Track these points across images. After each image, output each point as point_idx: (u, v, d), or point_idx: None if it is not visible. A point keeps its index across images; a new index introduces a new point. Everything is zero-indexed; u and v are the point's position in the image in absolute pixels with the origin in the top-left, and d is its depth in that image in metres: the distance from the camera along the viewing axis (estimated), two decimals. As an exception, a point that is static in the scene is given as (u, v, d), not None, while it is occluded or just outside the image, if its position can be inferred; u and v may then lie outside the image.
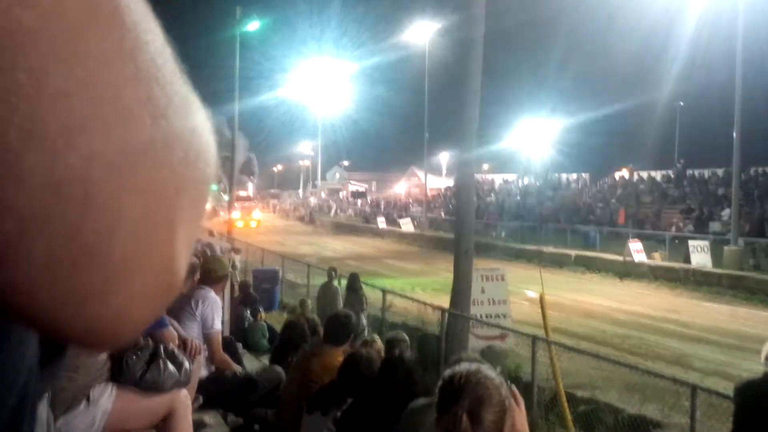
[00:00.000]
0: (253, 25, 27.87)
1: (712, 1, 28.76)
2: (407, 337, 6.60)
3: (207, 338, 5.00)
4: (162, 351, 3.38)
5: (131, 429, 3.44)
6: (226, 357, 5.10)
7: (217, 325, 5.04)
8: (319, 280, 17.06)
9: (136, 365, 3.32)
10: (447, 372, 2.07)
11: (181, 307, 5.01)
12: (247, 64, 46.71)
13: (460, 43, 11.85)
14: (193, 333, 4.85)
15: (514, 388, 2.30)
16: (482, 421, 1.94)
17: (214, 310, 5.02)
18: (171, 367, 3.37)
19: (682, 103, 56.62)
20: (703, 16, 30.82)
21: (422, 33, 46.72)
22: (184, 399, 3.44)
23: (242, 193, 66.42)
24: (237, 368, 5.13)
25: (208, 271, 5.25)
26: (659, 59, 47.84)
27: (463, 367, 2.07)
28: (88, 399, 3.23)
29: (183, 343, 3.92)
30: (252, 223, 52.08)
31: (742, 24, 24.69)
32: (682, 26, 34.99)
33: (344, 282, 14.69)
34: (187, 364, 3.48)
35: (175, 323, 4.23)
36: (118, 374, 3.33)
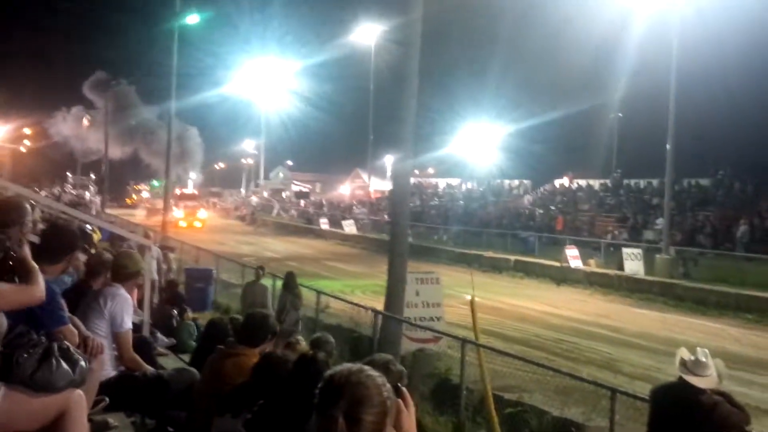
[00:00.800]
0: (192, 18, 27.50)
1: (652, 15, 29.51)
2: (332, 339, 6.53)
3: (116, 337, 4.81)
4: (55, 349, 3.21)
5: (20, 430, 3.26)
6: (136, 357, 4.91)
7: (127, 324, 4.85)
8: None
9: (26, 363, 3.14)
10: (327, 372, 2.00)
11: (89, 305, 4.82)
12: (189, 61, 45.85)
13: (399, 46, 11.88)
14: (100, 332, 4.66)
15: (404, 389, 2.24)
16: (360, 422, 1.87)
17: (124, 308, 4.83)
18: (64, 365, 3.21)
19: (620, 114, 58.04)
20: (642, 30, 31.57)
21: (368, 34, 46.74)
22: (79, 399, 3.27)
23: (186, 191, 61.51)
24: (148, 369, 4.95)
25: (118, 267, 5.06)
26: (600, 70, 48.95)
27: (345, 367, 1.99)
28: (-28, 398, 3.05)
29: (84, 341, 3.76)
30: (196, 224, 49.47)
31: (678, 40, 25.41)
32: (623, 39, 35.83)
33: (272, 281, 14.56)
34: (83, 362, 3.31)
35: (77, 320, 4.04)
36: (8, 373, 3.15)
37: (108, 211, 48.28)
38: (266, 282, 14.21)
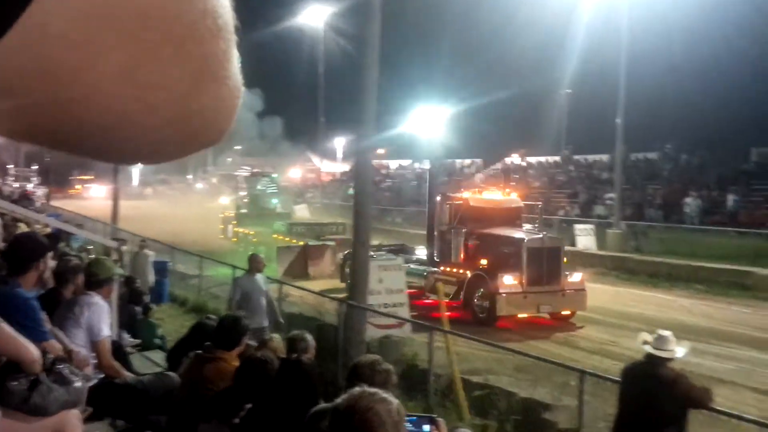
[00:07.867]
0: None
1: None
2: (310, 337, 6.43)
3: (94, 346, 4.75)
4: (44, 376, 3.15)
5: (14, 451, 3.22)
6: (115, 364, 4.85)
7: (105, 332, 4.79)
8: (212, 271, 16.71)
9: (16, 390, 3.09)
10: (337, 402, 1.95)
11: (64, 315, 4.74)
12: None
13: (358, 32, 11.76)
14: (78, 341, 4.59)
15: (440, 420, 2.20)
16: None
17: (101, 316, 4.76)
18: (57, 389, 3.16)
19: (569, 91, 58.69)
20: (592, 7, 31.75)
21: (317, 16, 46.14)
22: (74, 420, 3.23)
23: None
24: (127, 375, 4.91)
25: (89, 275, 4.98)
26: (550, 48, 49.28)
27: (355, 392, 1.94)
28: (-33, 422, 3.00)
29: (68, 355, 3.70)
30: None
31: (628, 16, 25.76)
32: (572, 16, 36.05)
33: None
34: (78, 383, 3.26)
35: (60, 334, 3.98)
36: (1, 398, 3.10)
37: (53, 203, 46.61)
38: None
